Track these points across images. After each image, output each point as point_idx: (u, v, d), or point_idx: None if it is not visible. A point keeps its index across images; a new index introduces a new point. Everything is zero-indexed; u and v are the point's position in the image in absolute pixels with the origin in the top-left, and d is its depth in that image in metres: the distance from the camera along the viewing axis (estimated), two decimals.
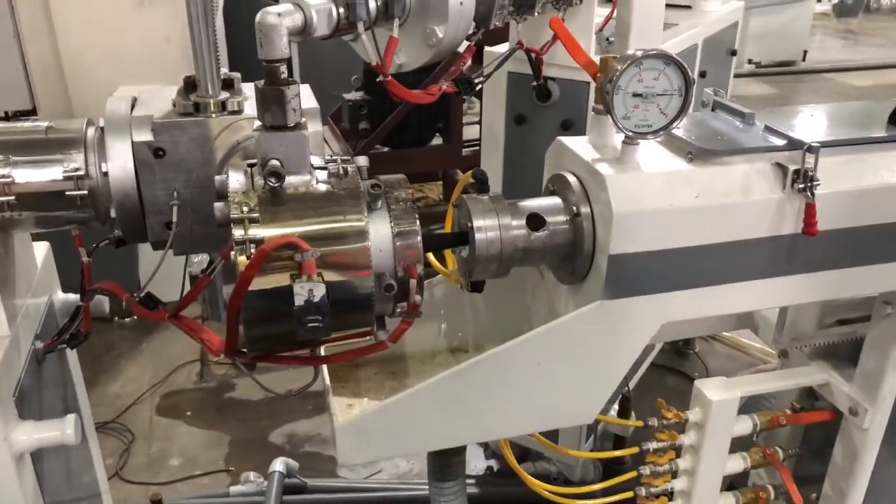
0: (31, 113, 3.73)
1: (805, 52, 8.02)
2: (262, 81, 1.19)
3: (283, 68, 1.17)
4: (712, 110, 1.56)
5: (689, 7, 2.77)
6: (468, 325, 1.67)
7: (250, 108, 1.58)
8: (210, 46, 1.54)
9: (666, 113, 1.30)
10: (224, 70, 1.70)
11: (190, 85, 1.59)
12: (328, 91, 4.12)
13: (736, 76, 7.32)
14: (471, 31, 1.46)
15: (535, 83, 1.98)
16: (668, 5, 2.86)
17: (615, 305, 1.36)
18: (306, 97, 1.70)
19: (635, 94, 1.28)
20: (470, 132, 4.53)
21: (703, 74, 2.67)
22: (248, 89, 1.64)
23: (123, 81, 3.98)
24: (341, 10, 1.23)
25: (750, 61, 7.72)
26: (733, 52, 3.09)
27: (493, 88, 2.19)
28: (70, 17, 3.49)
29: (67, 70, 3.59)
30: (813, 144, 1.33)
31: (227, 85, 1.63)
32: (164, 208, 1.57)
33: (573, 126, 2.11)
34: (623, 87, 1.27)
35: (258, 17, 1.14)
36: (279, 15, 1.13)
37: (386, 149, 4.20)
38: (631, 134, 1.31)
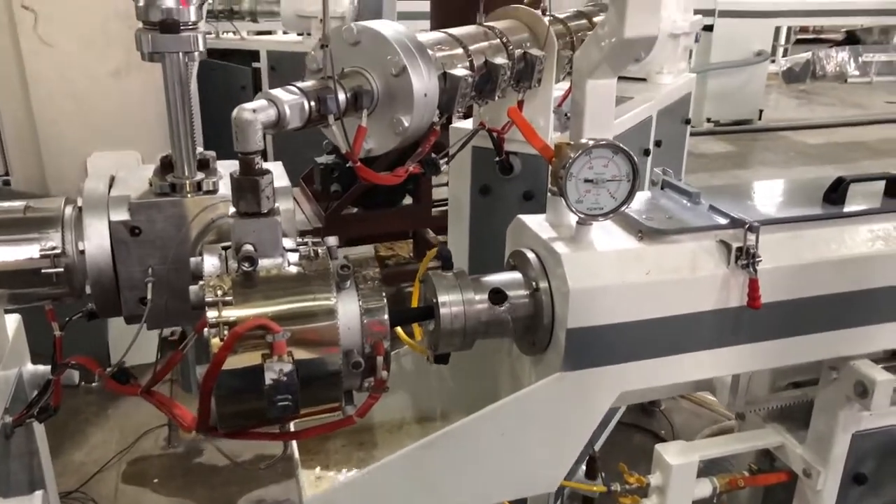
0: (4, 175, 3.76)
1: (761, 111, 8.36)
2: (237, 170, 1.26)
3: (258, 159, 1.25)
4: (661, 189, 1.66)
5: (643, 80, 2.93)
6: (435, 394, 1.72)
7: (225, 187, 1.65)
8: (187, 129, 1.61)
9: (616, 196, 1.40)
10: (200, 149, 1.77)
11: (166, 165, 1.66)
12: (301, 153, 4.22)
13: (696, 134, 7.62)
14: (435, 118, 1.55)
15: (497, 158, 2.08)
16: (623, 78, 3.03)
17: (574, 377, 1.43)
18: (278, 175, 1.78)
19: (587, 180, 1.37)
20: (439, 192, 4.64)
21: (658, 144, 2.80)
22: (223, 167, 1.72)
23: (98, 148, 4.04)
24: (313, 103, 1.32)
25: (709, 120, 8.03)
26: (687, 121, 3.25)
27: (458, 161, 2.29)
28: (46, 83, 3.54)
29: (42, 135, 3.63)
30: (754, 224, 1.43)
31: (203, 165, 1.70)
32: (139, 284, 1.61)
33: (534, 197, 2.21)
34: (575, 173, 1.37)
35: (234, 113, 1.21)
36: (254, 111, 1.21)
37: (357, 210, 4.28)
38: (583, 216, 1.40)
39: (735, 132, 7.94)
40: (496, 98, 1.79)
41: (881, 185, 1.67)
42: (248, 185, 1.25)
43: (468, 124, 2.27)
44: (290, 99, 1.28)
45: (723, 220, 1.49)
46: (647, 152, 2.71)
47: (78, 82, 3.51)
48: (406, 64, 1.41)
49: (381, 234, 4.58)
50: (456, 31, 1.74)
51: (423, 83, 1.46)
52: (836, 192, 1.61)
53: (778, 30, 9.87)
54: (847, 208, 1.60)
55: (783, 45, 10.65)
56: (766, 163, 7.09)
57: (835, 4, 8.10)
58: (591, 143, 1.37)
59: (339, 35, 1.44)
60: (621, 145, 1.37)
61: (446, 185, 2.98)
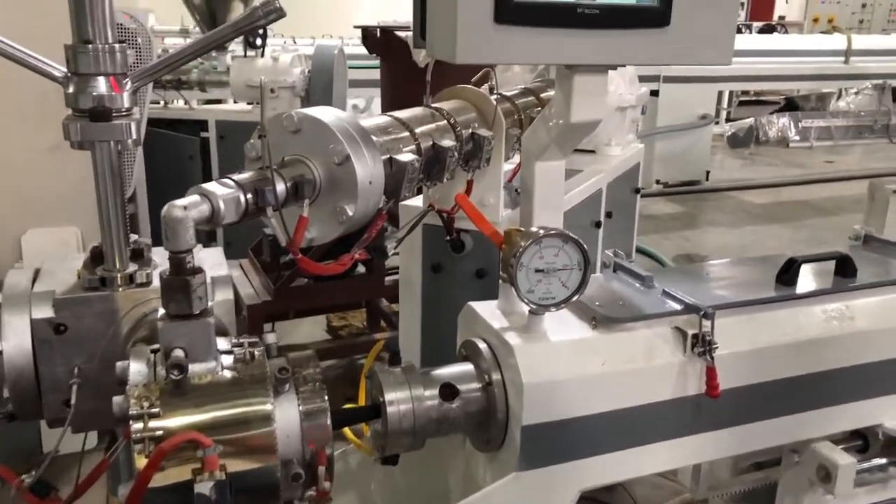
0: None
1: (707, 172, 8.58)
2: (167, 269, 1.18)
3: (190, 257, 1.17)
4: (613, 271, 1.63)
5: (592, 151, 2.94)
6: (384, 494, 1.62)
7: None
8: (118, 219, 1.53)
9: (567, 286, 1.35)
10: (134, 236, 1.68)
11: (96, 256, 1.57)
12: (250, 223, 4.12)
13: (646, 196, 7.75)
14: (381, 204, 1.50)
15: (448, 237, 2.03)
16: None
17: (531, 476, 1.35)
18: (217, 263, 1.70)
19: (537, 270, 1.33)
20: (394, 260, 4.58)
21: (609, 215, 2.80)
22: (158, 255, 1.63)
23: (34, 224, 3.86)
24: (249, 196, 1.25)
25: (658, 182, 8.20)
26: (637, 190, 3.28)
27: (409, 239, 2.23)
28: None
29: None
30: (708, 310, 1.40)
31: (136, 255, 1.62)
32: (63, 386, 1.50)
33: (488, 274, 2.16)
34: (525, 263, 1.32)
35: (164, 210, 1.14)
36: (185, 208, 1.14)
37: (307, 281, 4.18)
38: (535, 307, 1.35)
39: (683, 193, 8.11)
40: (444, 180, 1.75)
41: (832, 263, 1.66)
42: (179, 286, 1.17)
43: (419, 201, 2.23)
44: (224, 193, 1.21)
45: (677, 306, 1.45)
46: (598, 224, 2.70)
47: (13, 157, 3.38)
48: (349, 152, 1.37)
49: (334, 305, 4.48)
50: (402, 114, 1.71)
51: (368, 170, 1.41)
52: (787, 273, 1.59)
53: (721, 94, 10.25)
54: (800, 289, 1.58)
55: (726, 108, 11.03)
56: (715, 223, 7.22)
57: (774, 70, 8.45)
58: (541, 232, 1.33)
59: (280, 123, 1.39)
60: (571, 234, 1.33)
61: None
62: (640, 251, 5.64)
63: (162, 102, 4.67)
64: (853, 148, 9.10)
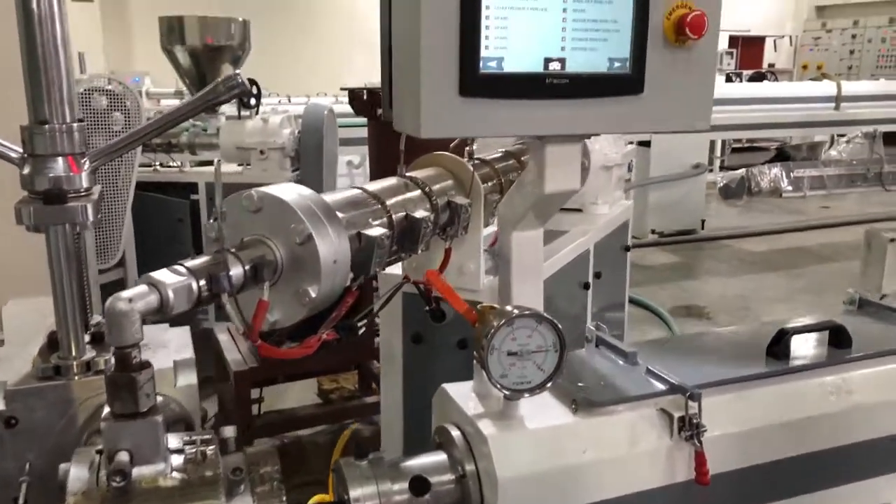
0: None
1: (703, 220, 8.55)
2: (111, 366, 1.11)
3: (136, 352, 1.10)
4: (596, 346, 1.55)
5: (579, 210, 2.89)
6: None
7: None
8: (74, 305, 1.47)
9: (543, 369, 1.28)
10: (98, 317, 1.61)
11: (53, 342, 1.50)
12: None
13: (641, 246, 7.71)
14: (349, 282, 1.44)
15: (427, 308, 1.96)
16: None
17: None
18: (182, 345, 1.63)
19: (510, 353, 1.26)
20: None
21: (598, 275, 2.74)
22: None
23: (14, 295, 3.80)
24: (202, 282, 1.19)
25: (653, 231, 8.16)
26: (627, 248, 3.22)
27: (388, 308, 2.16)
28: None
29: None
30: (695, 392, 1.32)
31: (97, 339, 1.55)
32: (13, 482, 1.41)
33: (470, 344, 2.08)
34: (497, 346, 1.25)
35: (108, 302, 1.07)
36: (130, 300, 1.08)
37: (295, 345, 4.09)
38: (509, 393, 1.27)
39: (679, 242, 8.07)
40: (419, 251, 1.69)
41: (825, 333, 1.59)
42: (124, 383, 1.10)
43: (398, 269, 2.17)
44: (174, 281, 1.15)
45: (662, 386, 1.37)
46: (586, 286, 2.64)
47: None
48: (311, 231, 1.31)
49: (324, 369, 4.38)
50: (373, 185, 1.66)
51: (332, 249, 1.35)
52: (779, 345, 1.52)
53: (713, 142, 10.30)
54: (792, 362, 1.50)
55: (719, 156, 11.08)
56: (712, 272, 7.15)
57: (766, 118, 8.49)
58: (514, 312, 1.26)
59: (239, 202, 1.33)
60: (545, 315, 1.26)
61: None
62: (634, 302, 5.56)
63: (152, 166, 4.65)
64: (848, 194, 9.09)
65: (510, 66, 1.33)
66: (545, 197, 1.51)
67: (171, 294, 1.13)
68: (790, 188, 7.52)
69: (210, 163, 5.48)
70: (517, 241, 1.62)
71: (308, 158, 4.70)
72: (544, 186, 1.48)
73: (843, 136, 9.55)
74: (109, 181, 3.53)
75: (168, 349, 1.43)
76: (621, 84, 1.41)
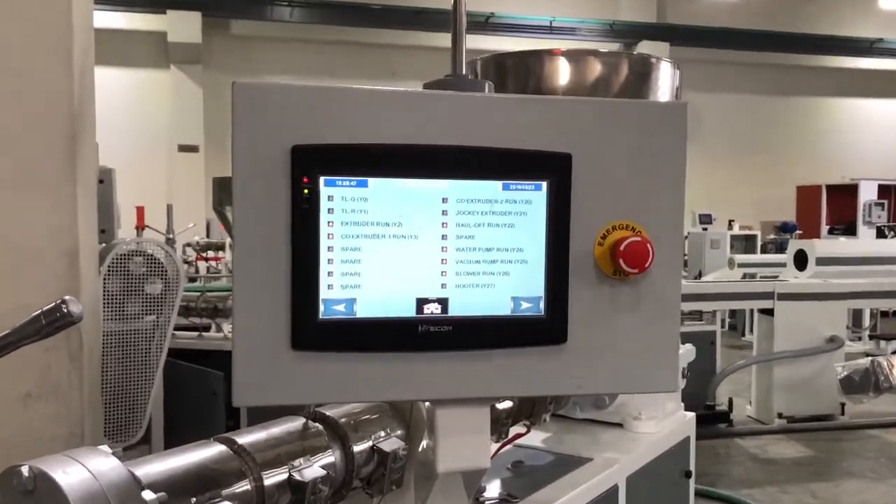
0: None
1: (843, 404, 7.40)
2: None
3: None
4: None
5: (619, 425, 2.38)
6: None
7: None
8: None
9: None
10: None
11: None
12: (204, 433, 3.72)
13: (764, 433, 6.71)
14: None
15: None
16: (593, 421, 2.49)
17: None
18: None
19: None
20: None
21: None
22: None
23: None
24: None
25: (780, 415, 7.12)
26: (688, 474, 2.61)
27: None
28: None
29: None
30: None
31: None
32: None
33: None
34: None
35: None
36: None
37: None
38: None
39: (812, 430, 6.96)
40: None
41: None
42: None
43: None
44: None
45: None
46: None
47: None
48: None
49: None
50: (251, 436, 1.31)
51: None
52: None
53: (856, 311, 9.19)
54: None
55: (865, 328, 9.81)
56: (852, 472, 6.01)
57: None
58: None
59: (10, 479, 1.04)
60: None
61: None
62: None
63: (197, 333, 4.47)
64: None
65: (366, 311, 0.99)
66: (442, 475, 1.11)
67: None
68: None
69: None
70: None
71: None
72: (437, 464, 1.09)
73: None
74: (139, 349, 3.33)
75: None
76: (532, 331, 1.03)
